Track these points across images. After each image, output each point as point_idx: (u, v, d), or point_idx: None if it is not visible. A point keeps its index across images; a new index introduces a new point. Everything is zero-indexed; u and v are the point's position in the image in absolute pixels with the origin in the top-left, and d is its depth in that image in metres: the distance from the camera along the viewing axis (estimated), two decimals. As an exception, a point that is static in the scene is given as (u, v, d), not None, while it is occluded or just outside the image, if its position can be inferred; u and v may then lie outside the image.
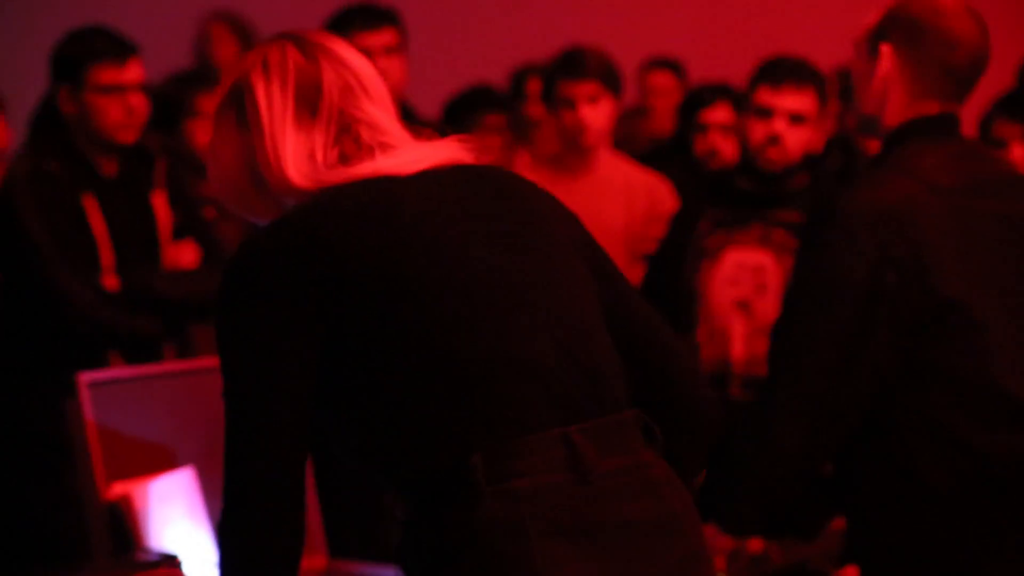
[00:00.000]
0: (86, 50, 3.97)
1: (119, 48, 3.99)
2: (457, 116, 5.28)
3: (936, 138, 2.82)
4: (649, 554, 1.95)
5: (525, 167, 4.85)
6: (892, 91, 2.82)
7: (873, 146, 4.27)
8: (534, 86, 5.70)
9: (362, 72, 2.10)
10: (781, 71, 4.00)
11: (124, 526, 2.82)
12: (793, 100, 3.98)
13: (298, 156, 2.04)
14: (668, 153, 5.28)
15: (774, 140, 3.97)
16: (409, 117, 4.46)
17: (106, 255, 3.93)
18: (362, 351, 1.94)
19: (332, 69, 2.08)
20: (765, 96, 3.99)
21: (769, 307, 3.97)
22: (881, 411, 2.75)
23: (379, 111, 2.09)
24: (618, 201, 4.62)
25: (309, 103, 2.06)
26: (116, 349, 3.90)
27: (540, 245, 2.05)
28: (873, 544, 2.82)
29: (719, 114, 4.92)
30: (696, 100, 5.09)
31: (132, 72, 3.99)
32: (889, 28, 2.82)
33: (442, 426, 1.93)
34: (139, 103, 3.99)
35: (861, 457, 2.79)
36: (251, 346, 1.95)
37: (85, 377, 2.86)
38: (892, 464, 2.75)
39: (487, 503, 1.90)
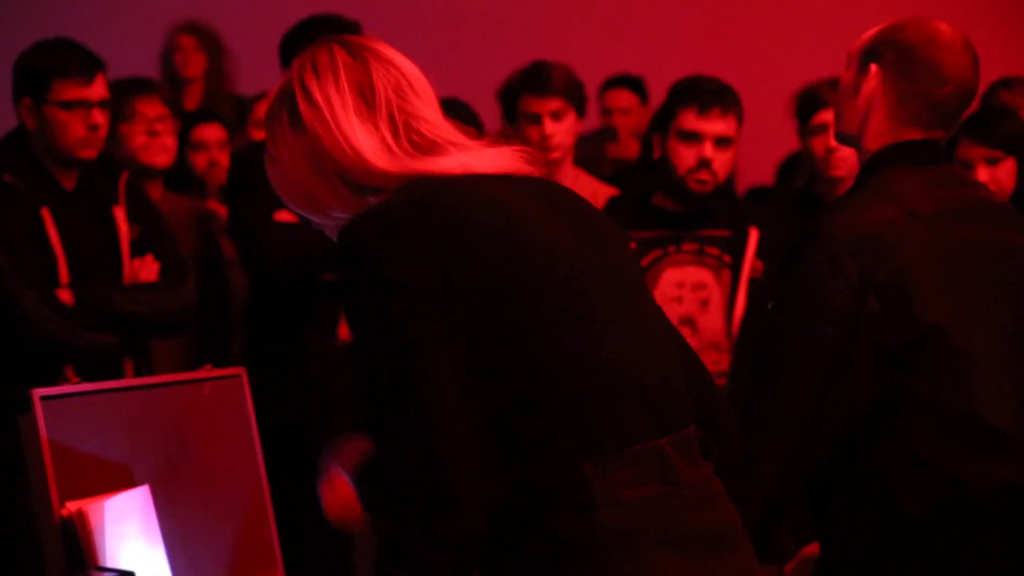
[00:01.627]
0: (52, 64, 3.93)
1: (85, 63, 3.96)
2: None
3: (915, 164, 2.79)
4: (728, 561, 2.05)
5: None
6: (875, 113, 2.80)
7: (844, 158, 4.32)
8: None
9: (410, 72, 2.13)
10: (707, 97, 4.13)
11: (78, 544, 2.78)
12: (719, 125, 4.12)
13: (373, 145, 2.06)
14: (634, 174, 5.28)
15: (705, 163, 4.10)
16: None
17: (63, 270, 3.90)
18: (483, 345, 1.96)
19: (382, 68, 2.11)
20: (692, 121, 4.11)
21: (713, 322, 4.05)
22: (860, 437, 2.74)
23: (431, 111, 2.12)
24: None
25: (365, 100, 2.08)
26: (72, 364, 3.86)
27: (623, 264, 2.12)
28: (848, 572, 2.80)
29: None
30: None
31: (97, 89, 3.96)
32: (882, 49, 2.80)
33: (552, 434, 1.96)
34: (102, 119, 3.95)
35: (838, 483, 2.78)
36: (406, 316, 1.93)
37: (39, 392, 2.82)
38: (869, 491, 2.74)
39: (601, 512, 1.94)
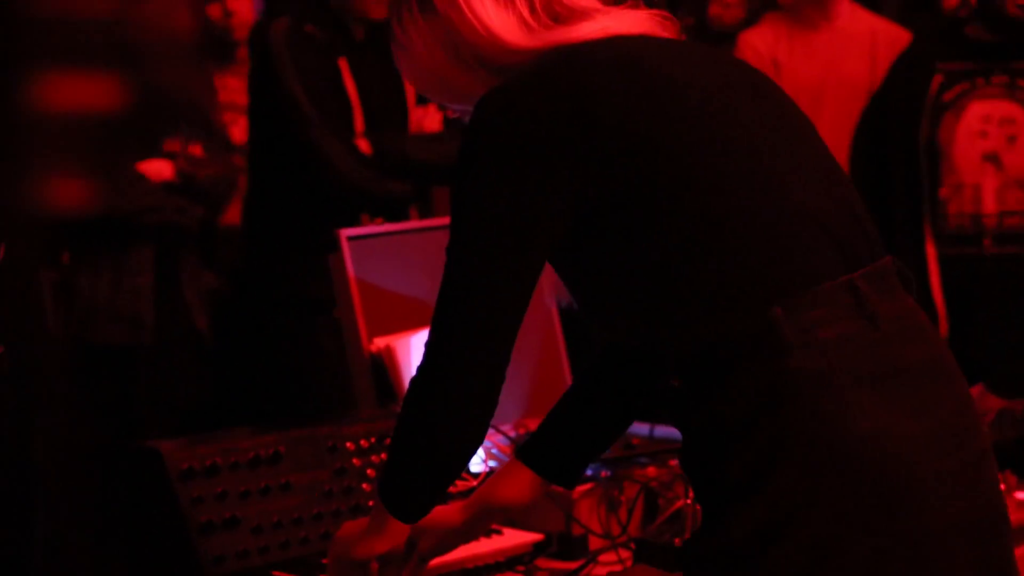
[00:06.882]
0: None
1: None
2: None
3: None
4: (936, 395, 1.94)
5: (768, 23, 4.79)
6: None
7: None
8: None
9: None
10: None
11: (386, 377, 2.88)
12: None
13: (509, 23, 2.02)
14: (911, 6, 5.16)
15: None
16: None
17: (358, 119, 4.01)
18: (644, 206, 1.91)
19: None
20: None
21: (1020, 159, 3.90)
22: None
23: None
24: (861, 53, 4.56)
25: None
26: (369, 211, 4.00)
27: (784, 106, 2.04)
28: None
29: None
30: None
31: None
32: None
33: (735, 280, 1.90)
34: None
35: None
36: (508, 199, 1.91)
37: (346, 232, 2.92)
38: None
39: (796, 355, 1.88)
